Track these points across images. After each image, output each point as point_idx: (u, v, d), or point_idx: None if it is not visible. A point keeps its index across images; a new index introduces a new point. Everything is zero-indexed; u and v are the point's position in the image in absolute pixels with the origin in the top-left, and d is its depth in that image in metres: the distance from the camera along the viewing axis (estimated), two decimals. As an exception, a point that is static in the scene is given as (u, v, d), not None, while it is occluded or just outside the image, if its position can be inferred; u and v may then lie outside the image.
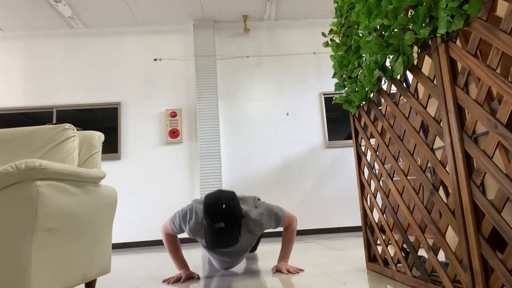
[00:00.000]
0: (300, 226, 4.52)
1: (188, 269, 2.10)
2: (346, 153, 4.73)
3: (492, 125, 1.05)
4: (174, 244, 2.11)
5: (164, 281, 2.04)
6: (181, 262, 2.11)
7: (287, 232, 2.17)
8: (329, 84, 4.91)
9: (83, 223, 1.52)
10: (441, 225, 1.32)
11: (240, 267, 2.41)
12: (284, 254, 2.13)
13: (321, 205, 4.60)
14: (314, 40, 5.05)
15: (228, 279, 2.02)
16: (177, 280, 2.01)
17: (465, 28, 1.13)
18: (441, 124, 1.29)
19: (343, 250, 2.85)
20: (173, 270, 2.42)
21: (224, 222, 1.71)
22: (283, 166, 4.69)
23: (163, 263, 2.80)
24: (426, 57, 1.93)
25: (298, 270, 2.05)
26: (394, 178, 2.78)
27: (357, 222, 4.52)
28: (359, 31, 1.84)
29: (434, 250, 1.37)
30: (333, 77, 2.16)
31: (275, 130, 4.75)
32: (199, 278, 2.07)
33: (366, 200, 2.04)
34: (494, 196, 1.06)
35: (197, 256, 3.14)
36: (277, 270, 2.08)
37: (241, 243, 1.97)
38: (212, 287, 1.85)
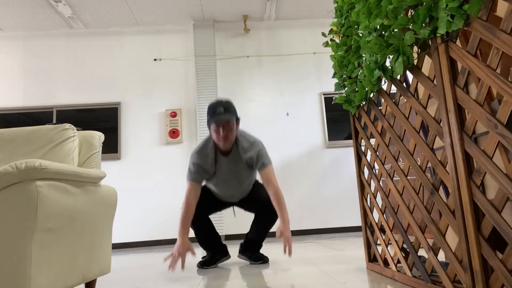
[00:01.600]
0: (300, 226, 4.52)
1: (187, 238, 2.17)
2: (346, 153, 4.73)
3: (492, 125, 1.05)
4: (188, 213, 2.23)
5: (169, 267, 2.09)
6: (185, 231, 2.19)
7: (273, 196, 2.26)
8: (329, 84, 4.91)
9: (83, 223, 1.52)
10: (441, 225, 1.32)
11: (240, 267, 2.41)
12: (283, 216, 2.20)
13: (321, 205, 4.60)
14: (314, 40, 5.05)
15: (228, 279, 2.02)
16: (176, 259, 2.09)
17: (465, 28, 1.13)
18: (441, 124, 1.29)
19: (343, 250, 2.85)
20: (175, 270, 2.42)
21: (224, 108, 2.21)
22: (283, 166, 4.69)
23: (163, 263, 2.80)
24: (426, 57, 1.93)
25: (290, 250, 2.10)
26: (394, 178, 2.79)
27: (357, 222, 4.52)
28: (359, 31, 1.84)
29: (434, 250, 1.37)
30: (333, 77, 2.16)
31: (275, 130, 4.76)
32: (194, 254, 2.13)
33: (366, 200, 2.04)
34: (494, 196, 1.06)
35: (197, 255, 3.13)
36: (281, 233, 2.12)
37: (237, 163, 2.32)
38: (212, 286, 1.85)
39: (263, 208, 2.44)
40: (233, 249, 3.42)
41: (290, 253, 2.06)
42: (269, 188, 2.29)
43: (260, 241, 2.56)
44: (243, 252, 2.62)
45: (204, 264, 2.44)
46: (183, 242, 2.13)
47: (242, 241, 2.67)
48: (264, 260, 2.48)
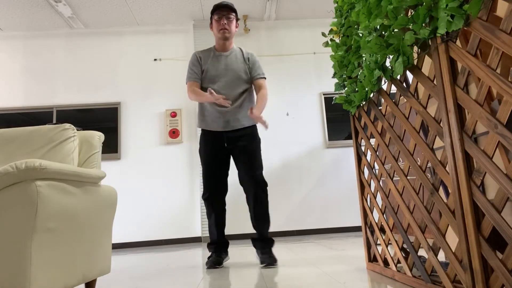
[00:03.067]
0: (300, 226, 4.53)
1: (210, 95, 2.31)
2: (346, 153, 4.73)
3: (492, 125, 1.05)
4: (197, 91, 2.44)
5: (222, 101, 2.27)
6: (205, 95, 2.38)
7: (260, 95, 2.49)
8: (329, 84, 4.91)
9: (83, 223, 1.52)
10: (441, 225, 1.32)
11: (240, 267, 2.41)
12: (259, 105, 2.42)
13: (321, 205, 4.60)
14: (314, 40, 5.05)
15: (228, 279, 2.02)
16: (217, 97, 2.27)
17: (465, 28, 1.14)
18: (441, 124, 1.29)
19: (343, 250, 2.85)
20: (174, 270, 2.42)
21: (227, 3, 2.49)
22: (283, 166, 4.69)
23: (162, 263, 2.80)
24: (426, 57, 1.93)
25: (266, 124, 2.27)
26: (394, 178, 2.79)
27: (357, 222, 4.52)
28: (359, 31, 1.84)
29: (434, 250, 1.37)
30: (333, 77, 2.16)
31: (275, 130, 4.75)
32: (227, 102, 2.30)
33: (366, 200, 2.04)
34: (494, 196, 1.06)
35: (197, 255, 3.14)
36: (251, 112, 2.24)
37: (235, 63, 2.52)
38: (212, 286, 1.85)
39: (253, 187, 2.46)
40: (234, 249, 3.43)
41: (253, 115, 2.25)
42: (260, 91, 2.51)
43: (266, 232, 2.50)
44: (256, 252, 2.54)
45: (216, 264, 2.42)
46: (206, 96, 2.32)
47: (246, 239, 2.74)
48: (270, 264, 2.34)
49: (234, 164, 2.57)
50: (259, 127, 2.58)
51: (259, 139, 2.56)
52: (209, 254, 2.57)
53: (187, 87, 2.51)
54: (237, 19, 2.57)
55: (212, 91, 2.27)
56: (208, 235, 2.73)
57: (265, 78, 2.60)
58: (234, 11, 2.53)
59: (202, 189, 2.56)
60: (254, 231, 2.55)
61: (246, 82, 2.55)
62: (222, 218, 2.57)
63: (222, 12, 2.48)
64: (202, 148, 2.55)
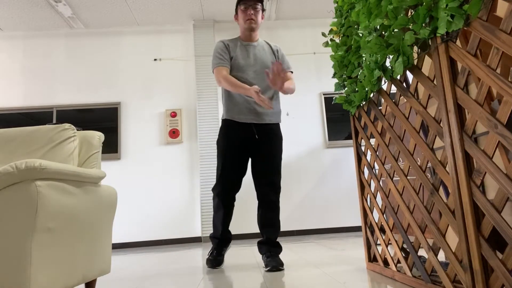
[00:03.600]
0: (300, 226, 4.52)
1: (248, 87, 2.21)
2: (346, 153, 4.73)
3: (492, 125, 1.05)
4: (233, 79, 2.29)
5: (260, 97, 2.09)
6: (242, 86, 2.24)
7: (289, 83, 2.31)
8: (329, 84, 4.91)
9: (83, 223, 1.52)
10: (441, 225, 1.32)
11: (240, 267, 2.41)
12: (287, 84, 2.26)
13: (321, 205, 4.60)
14: (314, 40, 5.05)
15: (228, 279, 2.02)
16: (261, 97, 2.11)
17: (465, 28, 1.14)
18: (441, 124, 1.29)
19: (343, 250, 2.85)
20: (174, 270, 2.42)
21: None
22: (283, 166, 4.67)
23: (163, 263, 2.80)
24: (426, 57, 1.93)
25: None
26: (394, 178, 2.79)
27: (357, 222, 4.52)
28: (359, 31, 1.84)
29: (434, 250, 1.37)
30: (333, 77, 2.16)
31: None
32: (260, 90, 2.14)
33: (366, 200, 2.04)
34: (494, 196, 1.06)
35: (197, 255, 3.14)
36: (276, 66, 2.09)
37: (263, 54, 2.45)
38: (212, 286, 1.85)
39: (269, 191, 2.35)
40: (234, 249, 3.43)
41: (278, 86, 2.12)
42: (289, 81, 2.32)
43: (275, 238, 2.39)
44: (262, 256, 2.38)
45: (216, 264, 2.38)
46: (249, 88, 2.17)
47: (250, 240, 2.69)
48: (276, 267, 2.18)
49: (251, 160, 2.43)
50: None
51: (282, 139, 2.44)
52: (211, 247, 2.50)
53: (215, 72, 2.36)
54: (263, 10, 2.47)
55: (258, 90, 2.11)
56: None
57: (292, 72, 2.51)
58: (261, 1, 2.43)
59: (215, 181, 2.40)
60: (258, 231, 2.45)
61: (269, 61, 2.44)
62: (229, 215, 2.46)
63: (249, 2, 2.39)
64: (225, 139, 2.36)
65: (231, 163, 2.34)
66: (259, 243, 2.42)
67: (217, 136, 2.49)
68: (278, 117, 2.43)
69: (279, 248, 2.37)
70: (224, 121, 2.40)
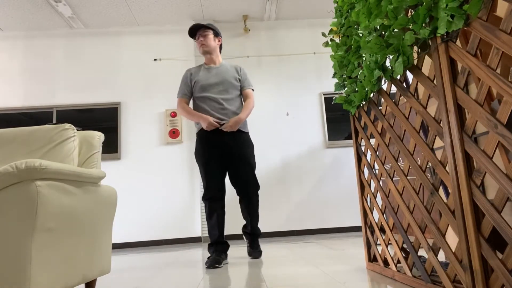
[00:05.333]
0: (300, 226, 4.53)
1: (203, 116, 2.60)
2: (346, 153, 4.73)
3: (492, 125, 1.05)
4: (188, 109, 2.69)
5: (209, 124, 2.55)
6: (197, 115, 2.63)
7: (247, 102, 2.72)
8: (329, 84, 4.91)
9: (83, 223, 1.52)
10: (441, 225, 1.32)
11: (240, 267, 2.41)
12: (242, 114, 2.65)
13: (321, 205, 4.60)
14: (314, 40, 5.05)
15: (228, 279, 2.02)
16: (210, 124, 2.56)
17: (465, 28, 1.14)
18: (441, 124, 1.29)
19: (343, 250, 2.85)
20: (174, 270, 2.42)
21: (199, 26, 2.75)
22: (283, 166, 4.69)
23: (163, 263, 2.81)
24: (426, 57, 1.93)
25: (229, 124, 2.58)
26: (394, 178, 2.78)
27: (357, 222, 4.52)
28: (359, 31, 1.84)
29: (434, 250, 1.37)
30: (333, 77, 2.16)
31: (275, 130, 4.76)
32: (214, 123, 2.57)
33: (366, 200, 2.04)
34: (494, 196, 1.06)
35: (197, 255, 3.14)
36: (230, 121, 2.59)
37: (225, 72, 2.73)
38: (212, 286, 1.85)
39: (247, 191, 2.68)
40: (234, 249, 3.43)
41: (224, 129, 2.58)
42: (247, 100, 2.73)
43: (255, 224, 2.76)
44: (247, 244, 2.83)
45: (216, 263, 2.46)
46: (204, 117, 2.57)
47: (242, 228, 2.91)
48: (255, 256, 2.71)
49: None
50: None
51: (253, 144, 2.77)
52: (209, 255, 2.64)
53: (177, 102, 2.74)
54: (216, 34, 2.79)
55: (213, 120, 2.55)
56: (207, 235, 2.81)
57: (253, 89, 2.82)
58: (209, 27, 2.75)
59: (203, 190, 2.65)
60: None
61: (237, 89, 2.75)
62: (222, 219, 2.67)
63: (198, 32, 2.75)
64: (200, 150, 2.65)
65: (212, 170, 2.62)
66: (243, 228, 2.84)
67: None
68: (244, 126, 2.71)
69: (256, 235, 2.78)
70: (198, 134, 2.71)
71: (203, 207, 4.39)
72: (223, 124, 2.59)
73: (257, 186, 2.72)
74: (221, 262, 2.49)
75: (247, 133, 2.74)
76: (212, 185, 2.60)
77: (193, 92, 2.73)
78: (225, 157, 2.65)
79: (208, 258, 2.53)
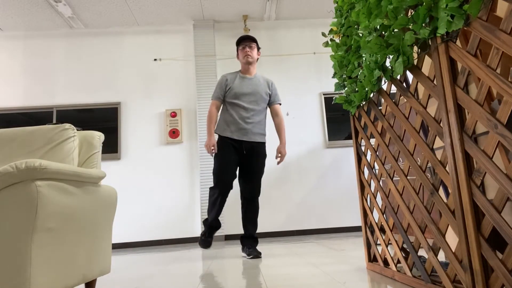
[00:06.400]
0: (300, 226, 4.53)
1: (213, 137, 2.88)
2: (346, 153, 4.73)
3: (492, 125, 1.05)
4: (212, 120, 2.93)
5: (207, 150, 2.85)
6: (210, 132, 2.90)
7: (278, 124, 3.05)
8: (329, 84, 4.91)
9: (83, 223, 1.52)
10: (441, 225, 1.32)
11: (240, 267, 2.41)
12: (282, 139, 3.02)
13: (321, 205, 4.60)
14: (314, 40, 5.05)
15: (228, 279, 2.02)
16: (209, 149, 2.85)
17: (465, 28, 1.14)
18: (441, 124, 1.29)
19: (343, 250, 2.85)
20: (174, 270, 2.43)
21: (249, 35, 3.03)
22: (283, 166, 4.69)
23: (163, 263, 2.81)
24: (426, 57, 1.93)
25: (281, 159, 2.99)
26: (394, 178, 2.79)
27: (357, 222, 4.52)
28: (359, 31, 1.84)
29: (434, 250, 1.37)
30: (333, 77, 2.16)
31: (275, 130, 4.75)
32: (215, 150, 2.86)
33: (366, 200, 2.04)
34: (494, 196, 1.06)
35: (197, 255, 3.14)
36: (279, 152, 2.96)
37: (258, 84, 2.97)
38: (212, 286, 1.85)
39: (251, 195, 2.91)
40: (233, 249, 3.43)
41: (279, 163, 2.97)
42: (277, 118, 3.05)
43: (254, 233, 2.94)
44: (243, 248, 2.96)
45: (207, 245, 2.93)
46: (210, 139, 2.86)
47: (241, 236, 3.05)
48: (257, 256, 2.78)
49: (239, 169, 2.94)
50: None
51: (266, 155, 2.99)
52: (203, 230, 3.02)
53: (211, 103, 2.98)
54: (258, 48, 3.06)
55: (213, 145, 2.84)
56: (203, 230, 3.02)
57: (280, 104, 3.09)
58: (255, 41, 3.02)
59: (213, 182, 2.89)
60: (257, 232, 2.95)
61: (265, 102, 3.00)
62: (222, 206, 2.93)
63: (245, 42, 2.98)
64: (222, 150, 2.88)
65: (228, 168, 2.86)
66: (241, 237, 2.98)
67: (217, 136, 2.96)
68: (263, 137, 2.96)
69: (256, 242, 2.94)
70: (221, 136, 2.93)
71: (203, 207, 4.41)
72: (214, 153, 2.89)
73: (259, 192, 2.95)
74: (210, 244, 2.95)
75: (264, 144, 2.98)
76: (224, 179, 2.83)
77: (226, 97, 2.95)
78: (241, 160, 2.90)
79: (201, 235, 2.96)
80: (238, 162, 2.90)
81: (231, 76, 3.01)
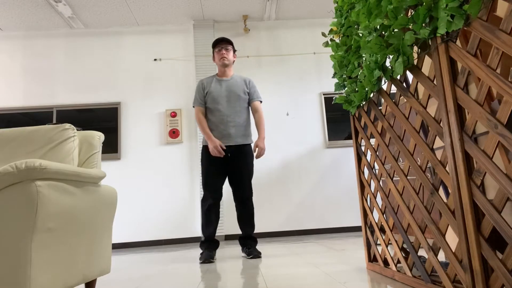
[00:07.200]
0: (300, 226, 4.53)
1: (213, 137, 2.81)
2: (346, 153, 4.73)
3: (492, 125, 1.05)
4: (204, 123, 2.88)
5: (216, 153, 2.77)
6: (209, 134, 2.83)
7: (258, 117, 2.96)
8: (329, 84, 4.91)
9: (83, 223, 1.52)
10: (441, 225, 1.32)
11: (239, 267, 2.41)
12: (261, 133, 2.93)
13: (321, 205, 4.60)
14: (314, 40, 5.05)
15: (227, 279, 2.02)
16: (216, 150, 2.77)
17: (465, 28, 1.14)
18: (441, 124, 1.29)
19: (343, 250, 2.85)
20: (174, 270, 2.43)
21: (225, 40, 2.99)
22: (283, 166, 4.69)
23: (163, 263, 2.81)
24: (426, 57, 1.93)
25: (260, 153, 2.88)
26: (394, 178, 2.79)
27: (357, 222, 4.52)
28: (359, 31, 1.84)
29: (434, 250, 1.37)
30: (333, 77, 2.16)
31: (275, 130, 4.75)
32: (223, 151, 2.79)
33: (366, 200, 2.04)
34: (494, 196, 1.06)
35: (197, 255, 3.14)
36: (257, 146, 2.87)
37: (235, 85, 2.94)
38: (212, 286, 1.85)
39: (243, 197, 2.88)
40: (233, 249, 3.43)
41: (257, 157, 2.88)
42: (256, 114, 2.97)
43: (251, 233, 2.93)
44: (242, 249, 2.96)
45: (210, 258, 2.73)
46: (212, 141, 2.78)
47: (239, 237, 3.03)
48: (256, 256, 2.77)
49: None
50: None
51: (253, 154, 2.95)
52: (201, 251, 2.88)
53: (195, 110, 2.96)
54: (234, 50, 3.05)
55: (219, 144, 2.76)
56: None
57: (261, 101, 3.02)
58: (231, 43, 3.00)
59: (202, 192, 2.86)
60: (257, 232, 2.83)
61: (245, 101, 2.96)
62: (217, 220, 2.89)
63: (221, 44, 2.97)
64: (206, 161, 2.88)
65: (215, 178, 2.86)
66: (240, 238, 2.96)
67: None
68: (247, 139, 2.92)
69: (255, 242, 2.93)
70: (204, 147, 2.92)
71: (203, 207, 4.41)
72: (226, 151, 2.83)
73: (251, 193, 2.93)
74: (213, 257, 2.77)
75: (249, 144, 2.95)
76: (211, 188, 2.83)
77: (206, 102, 2.93)
78: (228, 165, 2.87)
79: (201, 254, 2.78)
80: (225, 168, 2.87)
81: (207, 80, 2.99)
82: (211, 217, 2.83)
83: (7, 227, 1.19)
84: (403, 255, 1.65)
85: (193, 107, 2.98)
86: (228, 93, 2.90)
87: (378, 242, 2.72)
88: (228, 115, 2.86)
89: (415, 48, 1.43)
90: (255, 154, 2.88)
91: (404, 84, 1.54)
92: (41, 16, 4.56)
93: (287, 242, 3.79)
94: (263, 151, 2.86)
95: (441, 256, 2.09)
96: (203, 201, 2.86)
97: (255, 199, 4.44)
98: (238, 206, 2.92)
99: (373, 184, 4.35)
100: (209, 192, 2.83)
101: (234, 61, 3.04)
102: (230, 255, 3.00)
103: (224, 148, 2.79)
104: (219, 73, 3.02)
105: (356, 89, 1.96)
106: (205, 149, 2.90)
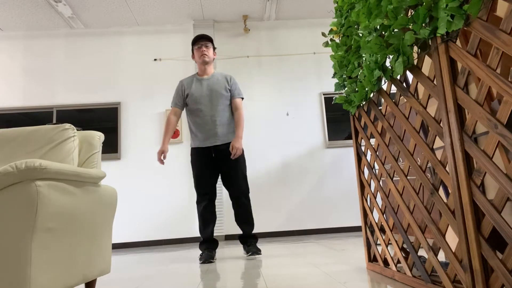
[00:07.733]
0: (300, 226, 4.53)
1: (166, 144, 2.87)
2: (346, 153, 4.73)
3: (492, 125, 1.05)
4: (169, 127, 2.91)
5: (158, 157, 2.83)
6: (165, 139, 2.89)
7: (237, 118, 2.89)
8: (329, 84, 4.91)
9: (83, 223, 1.52)
10: (441, 225, 1.32)
11: (239, 267, 2.41)
12: (238, 133, 2.85)
13: (321, 205, 4.60)
14: (314, 40, 5.05)
15: (227, 279, 2.02)
16: (159, 157, 2.83)
17: (465, 28, 1.14)
18: (441, 124, 1.29)
19: (343, 250, 2.85)
20: (174, 270, 2.43)
21: (204, 34, 2.97)
22: (283, 166, 4.69)
23: (163, 263, 2.81)
24: (426, 57, 1.93)
25: (236, 153, 2.79)
26: (394, 178, 2.78)
27: (357, 222, 4.52)
28: (359, 31, 1.84)
29: (434, 250, 1.37)
30: (333, 77, 2.16)
31: (275, 130, 4.75)
32: (164, 158, 2.86)
33: (366, 200, 2.04)
34: (494, 196, 1.06)
35: (197, 255, 3.14)
36: (231, 145, 2.79)
37: (216, 83, 2.89)
38: (212, 286, 1.85)
39: (238, 194, 2.86)
40: (233, 249, 3.43)
41: (233, 158, 2.78)
42: (236, 112, 2.90)
43: (250, 232, 2.92)
44: (243, 247, 2.95)
45: (210, 258, 2.71)
46: (161, 146, 2.85)
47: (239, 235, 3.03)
48: (255, 252, 2.81)
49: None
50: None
51: (242, 149, 2.89)
52: (200, 252, 2.88)
53: (170, 110, 2.96)
54: (214, 48, 3.01)
55: (163, 152, 2.83)
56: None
57: (242, 98, 2.98)
58: (211, 40, 2.97)
59: (196, 196, 2.88)
60: (257, 232, 2.82)
61: (227, 98, 2.91)
62: (214, 220, 2.89)
63: (201, 41, 2.93)
64: (195, 163, 2.88)
65: (206, 179, 2.85)
66: (240, 237, 2.97)
67: None
68: (231, 137, 2.89)
69: (255, 239, 2.92)
70: (192, 149, 2.92)
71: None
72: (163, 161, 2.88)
73: (247, 190, 2.89)
74: (213, 257, 2.76)
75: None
76: (205, 191, 2.83)
77: (187, 104, 2.90)
78: (218, 165, 2.86)
79: (201, 254, 2.77)
80: (216, 168, 2.86)
81: (187, 80, 2.95)
82: (207, 218, 2.83)
83: (7, 227, 1.19)
84: (403, 255, 1.65)
85: (171, 107, 2.99)
86: (209, 92, 2.86)
87: (378, 242, 2.72)
88: (212, 114, 2.83)
89: (415, 48, 1.43)
90: (231, 154, 2.79)
91: (404, 84, 1.54)
92: (41, 16, 4.56)
93: (287, 242, 3.79)
94: (239, 151, 2.78)
95: (441, 256, 2.09)
96: (198, 203, 2.86)
97: (255, 199, 4.45)
98: (234, 204, 2.90)
99: (373, 184, 4.35)
100: (202, 194, 2.82)
101: (214, 58, 3.00)
102: (230, 255, 3.00)
103: (164, 159, 2.86)
104: (199, 71, 2.97)
105: (356, 89, 1.96)
106: (193, 151, 2.90)
